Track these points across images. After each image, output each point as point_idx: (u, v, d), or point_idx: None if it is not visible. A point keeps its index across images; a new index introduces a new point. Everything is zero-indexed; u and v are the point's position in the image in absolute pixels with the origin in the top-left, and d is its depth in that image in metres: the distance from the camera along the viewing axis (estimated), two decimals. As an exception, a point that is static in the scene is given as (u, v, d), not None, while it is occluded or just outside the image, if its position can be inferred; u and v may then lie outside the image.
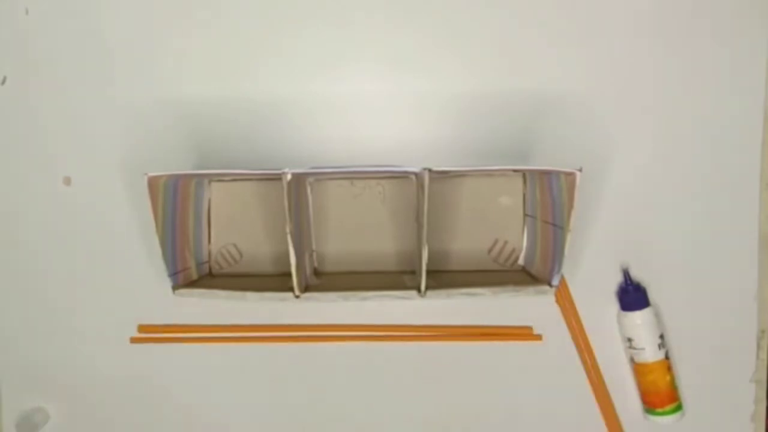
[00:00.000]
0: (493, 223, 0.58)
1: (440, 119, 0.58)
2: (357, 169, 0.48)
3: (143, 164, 0.58)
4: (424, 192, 0.47)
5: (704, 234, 0.58)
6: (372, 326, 0.58)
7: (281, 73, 0.58)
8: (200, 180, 0.53)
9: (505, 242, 0.58)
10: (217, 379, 0.60)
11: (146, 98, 0.58)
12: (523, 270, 0.58)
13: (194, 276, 0.55)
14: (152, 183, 0.48)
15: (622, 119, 0.57)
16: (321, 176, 0.51)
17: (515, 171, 0.54)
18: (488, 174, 0.53)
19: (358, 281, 0.55)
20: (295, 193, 0.49)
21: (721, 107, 0.57)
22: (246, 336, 0.59)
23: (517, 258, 0.58)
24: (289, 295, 0.51)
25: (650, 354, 0.56)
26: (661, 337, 0.57)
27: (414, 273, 0.57)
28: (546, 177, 0.52)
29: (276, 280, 0.55)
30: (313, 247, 0.58)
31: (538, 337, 0.59)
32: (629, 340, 0.57)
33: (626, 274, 0.58)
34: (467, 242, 0.58)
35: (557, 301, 0.58)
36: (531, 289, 0.52)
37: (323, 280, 0.56)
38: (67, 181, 0.59)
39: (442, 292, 0.51)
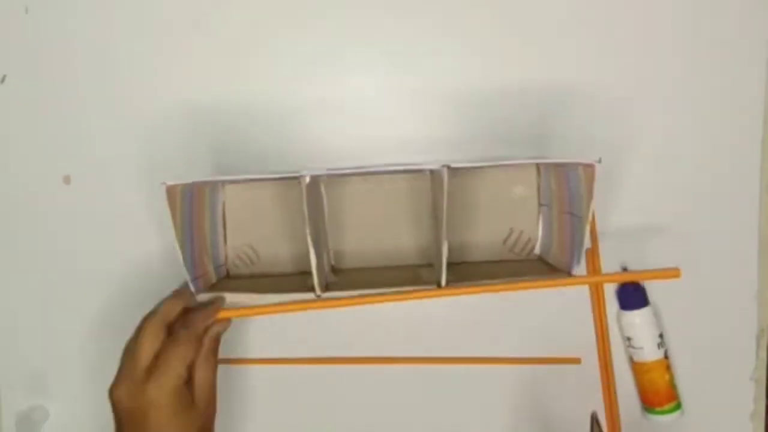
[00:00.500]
0: (508, 213, 0.58)
1: (453, 113, 0.57)
2: (375, 170, 0.47)
3: (143, 163, 0.59)
4: (442, 189, 0.47)
5: (704, 234, 0.58)
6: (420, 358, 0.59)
7: (293, 72, 0.58)
8: (215, 184, 0.52)
9: (521, 232, 0.58)
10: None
11: (146, 98, 0.58)
12: (540, 259, 0.57)
13: (213, 279, 0.55)
14: (170, 192, 0.48)
15: (622, 119, 0.57)
16: (338, 177, 0.50)
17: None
18: (502, 165, 0.53)
19: (376, 276, 0.55)
20: (311, 193, 0.49)
21: (721, 107, 0.57)
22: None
23: (533, 247, 0.58)
24: (310, 295, 0.50)
25: (649, 353, 0.56)
26: (660, 336, 0.57)
27: (431, 266, 0.57)
28: (562, 168, 0.51)
29: (295, 280, 0.55)
30: (329, 244, 0.57)
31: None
32: (628, 339, 0.57)
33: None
34: (482, 233, 0.58)
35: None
36: (549, 282, 0.51)
37: (341, 277, 0.56)
38: (67, 180, 0.59)
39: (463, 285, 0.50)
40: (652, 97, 0.57)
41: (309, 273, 0.50)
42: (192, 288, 0.51)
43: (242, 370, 0.60)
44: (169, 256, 0.58)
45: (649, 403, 0.57)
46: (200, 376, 0.50)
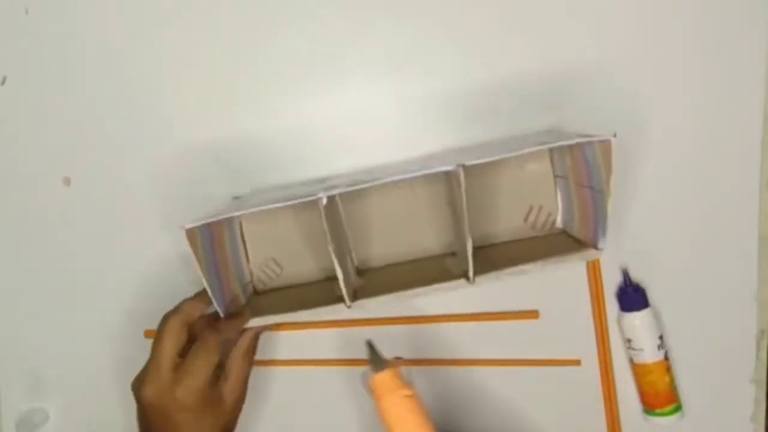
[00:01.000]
0: (525, 191, 0.57)
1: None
2: (390, 179, 0.47)
3: (143, 161, 0.59)
4: (460, 188, 0.47)
5: (704, 234, 0.58)
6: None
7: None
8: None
9: (540, 207, 0.57)
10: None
11: (146, 96, 0.58)
12: (563, 232, 0.57)
13: (242, 300, 0.55)
14: (190, 234, 0.47)
15: (622, 118, 0.57)
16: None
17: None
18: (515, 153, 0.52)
19: (402, 274, 0.55)
20: (329, 210, 0.49)
21: (721, 107, 0.57)
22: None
23: (554, 221, 0.57)
24: (341, 306, 0.50)
25: (649, 355, 0.56)
26: (660, 338, 0.57)
27: (454, 254, 0.57)
28: (577, 146, 0.51)
29: (322, 287, 0.56)
30: (351, 247, 0.57)
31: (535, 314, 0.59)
32: (628, 340, 0.57)
33: (625, 274, 0.58)
34: (503, 215, 0.57)
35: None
36: (577, 255, 0.51)
37: (366, 279, 0.56)
38: (67, 181, 0.59)
39: (491, 275, 0.50)
40: (653, 97, 0.57)
41: (334, 280, 0.49)
42: (221, 313, 0.51)
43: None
44: (169, 256, 0.59)
45: (650, 404, 0.57)
46: (235, 372, 0.51)
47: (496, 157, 0.47)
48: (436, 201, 0.57)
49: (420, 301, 0.57)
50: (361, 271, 0.58)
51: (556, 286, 0.59)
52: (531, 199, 0.57)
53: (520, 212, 0.58)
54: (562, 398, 0.60)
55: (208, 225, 0.50)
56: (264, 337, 0.57)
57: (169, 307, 0.53)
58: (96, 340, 0.60)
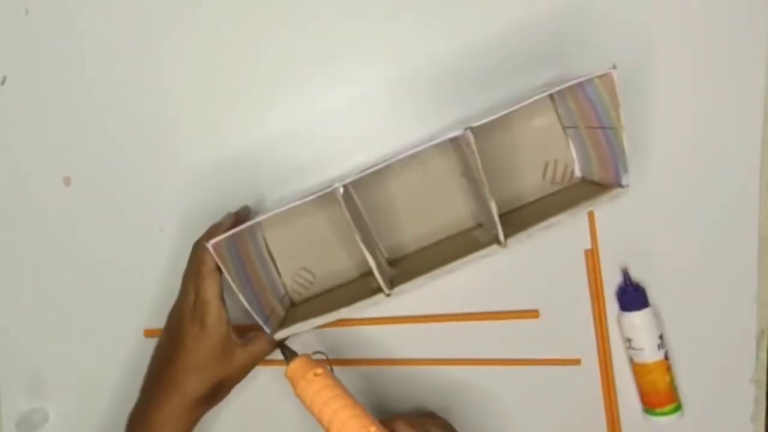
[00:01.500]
0: (537, 148, 0.57)
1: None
2: (399, 157, 0.47)
3: (143, 161, 0.59)
4: (472, 151, 0.47)
5: (704, 234, 0.58)
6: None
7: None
8: (252, 226, 0.52)
9: (556, 161, 0.57)
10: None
11: (146, 95, 0.58)
12: (584, 181, 0.57)
13: (282, 313, 0.55)
14: (217, 249, 0.48)
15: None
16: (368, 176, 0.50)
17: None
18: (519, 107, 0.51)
19: (432, 255, 0.55)
20: (347, 201, 0.49)
21: (721, 107, 0.57)
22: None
23: (572, 172, 0.57)
24: (380, 296, 0.51)
25: (649, 354, 0.56)
26: (660, 337, 0.57)
27: (481, 225, 0.56)
28: (577, 87, 0.50)
29: (357, 285, 0.56)
30: (377, 240, 0.57)
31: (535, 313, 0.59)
32: (628, 340, 0.57)
33: (625, 274, 0.58)
34: (520, 176, 0.57)
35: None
36: (604, 197, 0.50)
37: (399, 268, 0.56)
38: (67, 181, 0.59)
39: (522, 236, 0.50)
40: (652, 97, 0.57)
41: (368, 275, 0.50)
42: (267, 330, 0.51)
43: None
44: (168, 257, 0.59)
45: (650, 404, 0.57)
46: (258, 345, 0.52)
47: (500, 114, 0.47)
48: (452, 174, 0.57)
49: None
50: (392, 262, 0.58)
51: (556, 286, 0.59)
52: (545, 155, 0.57)
53: (537, 170, 0.57)
54: (562, 398, 0.60)
55: (232, 240, 0.50)
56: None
57: (170, 306, 0.53)
58: (96, 340, 0.60)
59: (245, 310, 0.50)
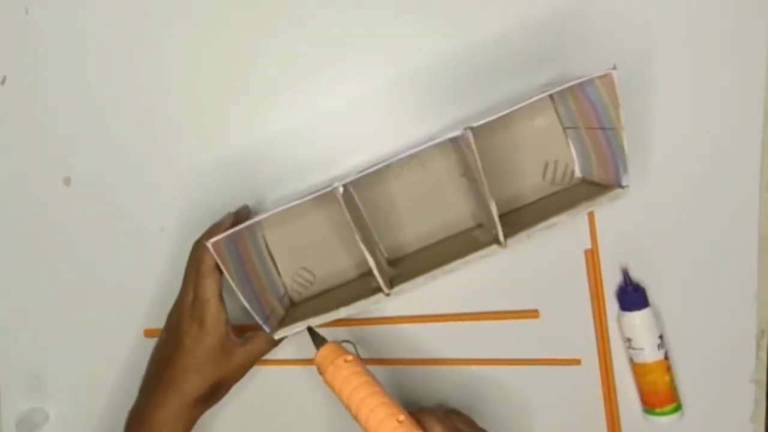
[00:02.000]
0: (538, 148, 0.57)
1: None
2: (398, 157, 0.47)
3: (143, 161, 0.59)
4: (472, 151, 0.47)
5: (704, 234, 0.58)
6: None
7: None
8: (252, 225, 0.52)
9: (556, 161, 0.57)
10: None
11: (146, 95, 0.58)
12: (584, 181, 0.57)
13: (281, 313, 0.55)
14: (216, 248, 0.48)
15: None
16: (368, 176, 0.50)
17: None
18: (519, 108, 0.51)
19: (432, 255, 0.55)
20: (347, 201, 0.49)
21: (721, 107, 0.57)
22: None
23: (573, 172, 0.57)
24: (380, 296, 0.51)
25: (649, 354, 0.56)
26: (660, 337, 0.57)
27: (481, 226, 0.56)
28: (578, 87, 0.50)
29: (357, 284, 0.56)
30: (376, 240, 0.57)
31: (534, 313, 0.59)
32: (628, 340, 0.57)
33: (625, 274, 0.58)
34: (520, 176, 0.57)
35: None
36: (604, 198, 0.50)
37: (399, 268, 0.56)
38: (67, 181, 0.59)
39: (522, 236, 0.50)
40: (652, 97, 0.57)
41: (367, 275, 0.50)
42: (266, 329, 0.51)
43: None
44: (168, 257, 0.59)
45: (650, 404, 0.57)
46: (256, 344, 0.52)
47: (500, 114, 0.47)
48: (451, 174, 0.57)
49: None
50: (391, 262, 0.58)
51: (556, 286, 0.59)
52: (545, 155, 0.57)
53: (537, 170, 0.57)
54: (562, 398, 0.60)
55: (232, 239, 0.50)
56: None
57: (170, 306, 0.53)
58: (96, 340, 0.60)
59: (245, 310, 0.50)
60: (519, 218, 0.54)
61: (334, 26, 0.57)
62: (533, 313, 0.59)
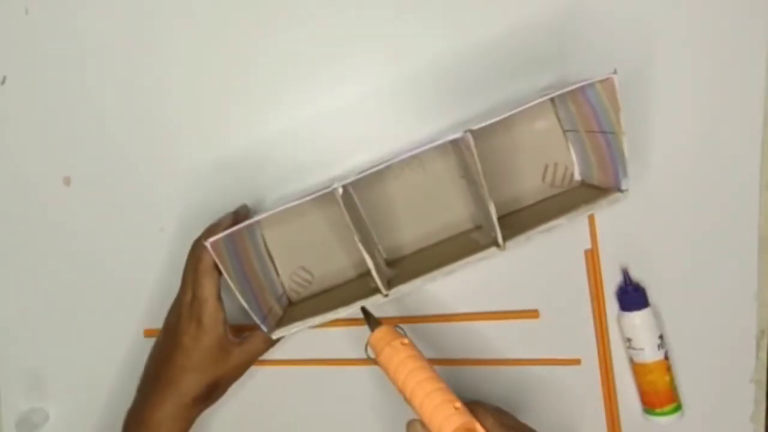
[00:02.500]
0: (538, 151, 0.57)
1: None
2: (398, 159, 0.47)
3: (143, 161, 0.59)
4: (472, 154, 0.47)
5: (704, 234, 0.58)
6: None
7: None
8: (251, 225, 0.52)
9: (555, 164, 0.57)
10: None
11: (146, 95, 0.58)
12: (583, 184, 0.57)
13: (279, 312, 0.55)
14: (215, 247, 0.48)
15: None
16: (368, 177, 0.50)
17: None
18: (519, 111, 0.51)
19: (431, 257, 0.55)
20: (346, 201, 0.49)
21: (721, 107, 0.57)
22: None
23: (572, 175, 0.57)
24: (378, 297, 0.51)
25: (649, 354, 0.56)
26: (661, 337, 0.57)
27: (480, 227, 0.56)
28: (578, 91, 0.50)
29: (355, 285, 0.56)
30: (375, 240, 0.57)
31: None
32: (628, 340, 0.57)
33: (625, 274, 0.58)
34: (520, 178, 0.57)
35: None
36: (603, 202, 0.50)
37: (398, 269, 0.56)
38: (67, 181, 0.59)
39: (521, 238, 0.50)
40: (653, 96, 0.57)
41: (366, 275, 0.50)
42: (264, 329, 0.51)
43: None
44: (168, 257, 0.59)
45: (650, 404, 0.57)
46: (254, 343, 0.53)
47: (500, 117, 0.47)
48: (451, 175, 0.57)
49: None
50: (390, 263, 0.58)
51: (556, 286, 0.59)
52: (545, 157, 0.57)
53: (536, 173, 0.57)
54: (562, 398, 0.60)
55: (231, 238, 0.50)
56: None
57: (169, 307, 0.53)
58: (96, 340, 0.60)
59: (243, 309, 0.50)
60: (518, 220, 0.54)
61: (334, 26, 0.57)
62: (533, 313, 0.59)
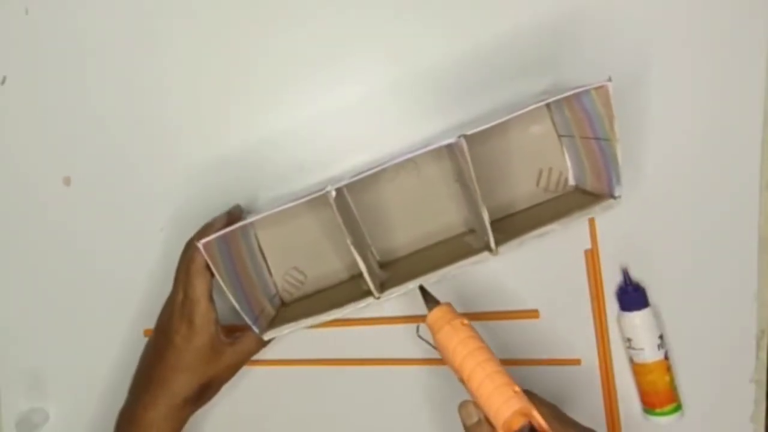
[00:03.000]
0: (532, 155, 0.57)
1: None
2: (393, 162, 0.47)
3: (143, 161, 0.59)
4: (466, 159, 0.47)
5: (704, 234, 0.58)
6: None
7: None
8: (245, 225, 0.52)
9: (550, 169, 0.57)
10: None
11: (146, 95, 0.58)
12: (577, 189, 0.57)
13: (272, 313, 0.55)
14: (207, 248, 0.48)
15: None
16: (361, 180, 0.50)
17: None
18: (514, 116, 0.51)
19: (424, 260, 0.55)
20: (340, 204, 0.49)
21: (721, 107, 0.57)
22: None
23: (566, 180, 0.57)
24: (370, 299, 0.51)
25: (649, 354, 0.56)
26: (661, 337, 0.57)
27: (473, 231, 0.56)
28: (573, 97, 0.50)
29: (348, 287, 0.56)
30: (369, 242, 0.57)
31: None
32: (628, 340, 0.57)
33: (625, 274, 0.58)
34: (514, 183, 0.57)
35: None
36: (597, 208, 0.51)
37: (391, 271, 0.56)
38: (67, 181, 0.59)
39: (513, 243, 0.50)
40: (651, 95, 0.57)
41: (359, 277, 0.50)
42: (255, 329, 0.51)
43: (254, 371, 0.60)
44: (168, 257, 0.59)
45: (650, 404, 0.57)
46: (246, 344, 0.53)
47: (495, 122, 0.47)
48: (446, 179, 0.57)
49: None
50: (383, 265, 0.58)
51: (557, 286, 0.59)
52: (540, 162, 0.57)
53: (531, 177, 0.57)
54: (562, 398, 0.59)
55: (224, 239, 0.50)
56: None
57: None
58: (96, 340, 0.60)
59: (235, 310, 0.50)
60: (511, 225, 0.54)
61: (334, 26, 0.57)
62: (533, 313, 0.59)
